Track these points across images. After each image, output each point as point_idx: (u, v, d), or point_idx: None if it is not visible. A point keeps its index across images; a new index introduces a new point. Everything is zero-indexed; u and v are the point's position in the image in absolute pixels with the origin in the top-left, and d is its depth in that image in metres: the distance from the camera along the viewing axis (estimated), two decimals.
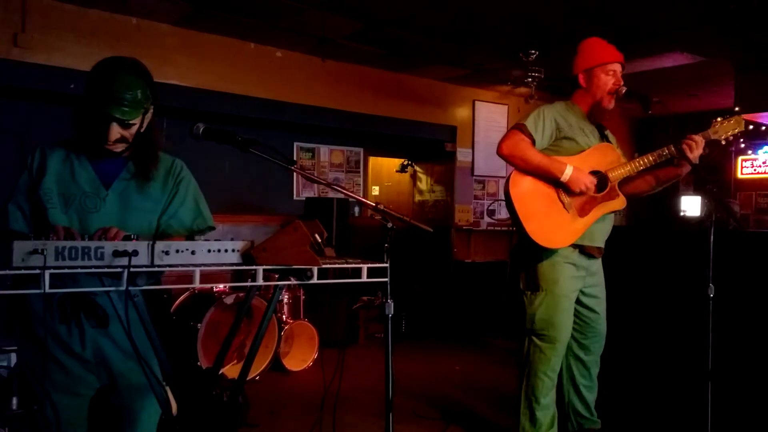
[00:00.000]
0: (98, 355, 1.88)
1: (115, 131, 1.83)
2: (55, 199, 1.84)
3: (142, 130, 1.92)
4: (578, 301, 3.05)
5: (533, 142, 2.88)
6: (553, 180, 2.86)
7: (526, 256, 3.00)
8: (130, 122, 1.83)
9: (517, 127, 2.92)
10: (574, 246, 2.92)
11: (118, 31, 4.78)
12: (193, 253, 1.59)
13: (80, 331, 1.85)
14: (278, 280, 1.85)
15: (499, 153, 2.91)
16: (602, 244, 3.05)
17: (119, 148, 1.89)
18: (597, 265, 3.10)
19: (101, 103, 1.79)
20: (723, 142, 2.92)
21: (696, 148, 2.82)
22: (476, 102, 7.26)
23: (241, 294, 4.42)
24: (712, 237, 2.69)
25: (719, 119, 2.91)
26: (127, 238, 1.57)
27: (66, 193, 1.86)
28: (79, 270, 1.48)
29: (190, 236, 2.02)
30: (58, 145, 1.92)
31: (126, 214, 1.90)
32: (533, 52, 5.55)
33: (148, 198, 1.96)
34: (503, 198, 2.99)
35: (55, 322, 1.83)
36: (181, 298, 4.60)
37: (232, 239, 1.67)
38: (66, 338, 1.85)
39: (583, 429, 3.16)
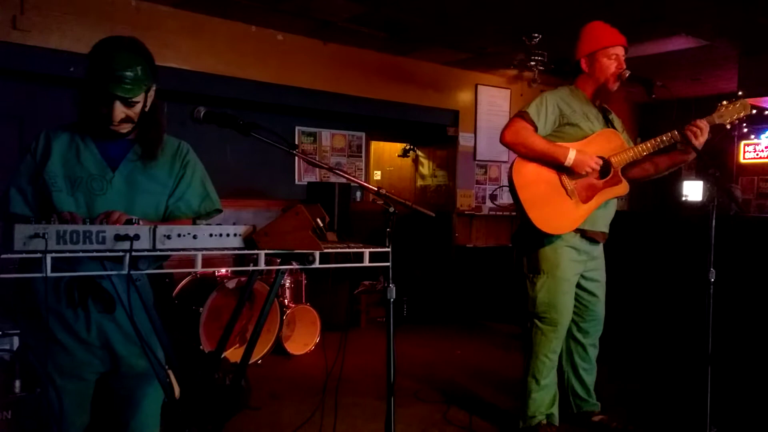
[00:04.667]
0: (103, 339, 1.89)
1: (119, 110, 1.82)
2: (61, 182, 1.83)
3: (146, 110, 1.91)
4: (578, 285, 3.07)
5: (536, 129, 2.87)
6: (557, 165, 2.85)
7: (528, 240, 3.01)
8: (133, 100, 1.82)
9: (520, 114, 2.91)
10: (576, 230, 2.93)
11: (118, 13, 4.73)
12: (194, 237, 1.59)
13: (86, 316, 1.85)
14: (280, 264, 1.85)
15: (502, 141, 2.91)
16: (605, 229, 3.05)
17: (125, 128, 1.88)
18: (598, 249, 3.11)
19: (102, 82, 1.78)
20: (728, 126, 2.89)
21: (701, 134, 2.79)
22: (479, 86, 7.21)
23: (243, 278, 4.43)
24: (713, 222, 2.69)
25: (724, 103, 2.88)
26: (129, 222, 1.57)
27: (72, 176, 1.85)
28: (81, 254, 1.48)
29: (197, 218, 2.02)
30: (62, 129, 1.91)
31: (133, 197, 1.90)
32: (536, 35, 5.49)
33: (155, 180, 1.96)
34: (506, 184, 2.99)
35: (61, 306, 1.83)
36: (183, 282, 4.61)
37: (233, 224, 1.66)
38: (72, 322, 1.85)
39: (581, 411, 3.19)
